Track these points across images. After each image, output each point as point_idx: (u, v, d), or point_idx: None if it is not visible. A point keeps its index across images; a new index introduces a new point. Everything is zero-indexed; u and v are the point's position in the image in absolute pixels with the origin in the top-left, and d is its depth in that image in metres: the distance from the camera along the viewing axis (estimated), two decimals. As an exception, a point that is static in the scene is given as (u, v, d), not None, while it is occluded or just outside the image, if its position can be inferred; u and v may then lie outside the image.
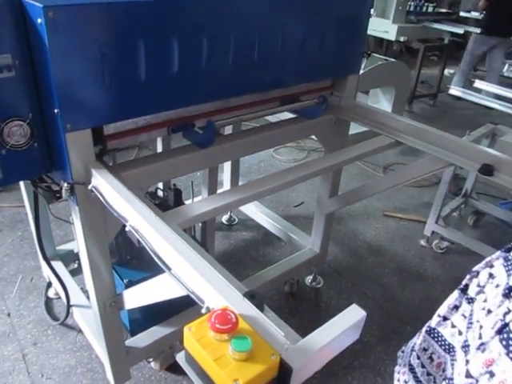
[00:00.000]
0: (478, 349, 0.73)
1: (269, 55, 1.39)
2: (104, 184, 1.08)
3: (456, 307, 0.98)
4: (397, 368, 1.19)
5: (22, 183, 1.76)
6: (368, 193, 1.89)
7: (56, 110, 1.04)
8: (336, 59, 1.61)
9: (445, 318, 1.00)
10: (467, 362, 0.75)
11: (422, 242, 2.77)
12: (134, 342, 1.66)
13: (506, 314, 0.68)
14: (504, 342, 0.65)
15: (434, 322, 1.03)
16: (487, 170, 1.33)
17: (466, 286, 0.97)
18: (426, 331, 1.00)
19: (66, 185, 1.13)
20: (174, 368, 1.85)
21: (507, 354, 0.64)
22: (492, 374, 0.68)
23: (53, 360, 1.87)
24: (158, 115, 1.26)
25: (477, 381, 0.73)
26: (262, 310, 0.74)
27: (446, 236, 2.65)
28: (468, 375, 0.75)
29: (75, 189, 1.15)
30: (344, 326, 0.71)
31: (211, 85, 1.31)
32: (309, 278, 2.38)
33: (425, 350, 1.02)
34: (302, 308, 2.22)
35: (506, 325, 0.66)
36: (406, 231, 2.91)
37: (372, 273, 2.50)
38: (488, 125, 2.49)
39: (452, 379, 0.82)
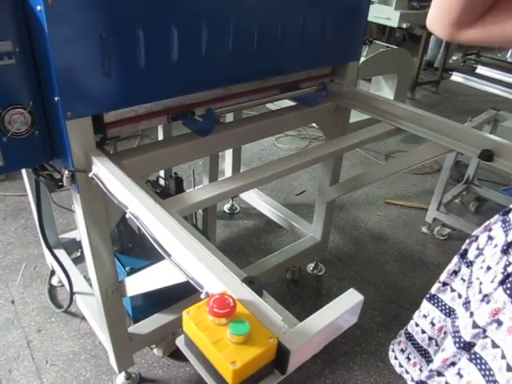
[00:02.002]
0: (482, 300, 0.75)
1: (268, 42, 1.38)
2: (104, 171, 1.08)
3: (455, 272, 0.99)
4: (392, 341, 1.20)
5: (24, 172, 1.77)
6: (369, 180, 1.90)
7: (56, 98, 1.04)
8: (336, 46, 1.60)
9: (444, 284, 1.01)
10: (471, 314, 0.77)
11: (424, 229, 2.78)
12: (137, 328, 1.68)
13: (506, 266, 0.70)
14: (508, 292, 0.67)
15: (434, 288, 1.04)
16: (487, 155, 1.33)
17: (465, 250, 0.98)
18: (426, 298, 1.01)
19: (66, 172, 1.14)
20: (177, 354, 1.87)
21: None
22: (500, 322, 0.70)
23: (57, 347, 1.90)
24: (157, 103, 1.26)
25: (484, 330, 0.75)
26: (260, 295, 0.74)
27: (448, 223, 2.66)
28: (475, 326, 0.78)
29: (76, 176, 1.15)
30: (341, 309, 0.71)
31: (211, 72, 1.31)
32: (310, 266, 2.39)
33: (425, 316, 1.04)
34: (303, 295, 2.24)
35: (509, 275, 0.68)
36: (408, 218, 2.91)
37: (373, 260, 2.51)
38: (490, 111, 2.47)
39: (458, 331, 0.83)
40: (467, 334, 0.80)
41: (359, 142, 1.53)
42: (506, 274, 0.69)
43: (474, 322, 0.78)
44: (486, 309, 0.74)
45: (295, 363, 0.66)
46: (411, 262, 2.52)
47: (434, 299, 1.02)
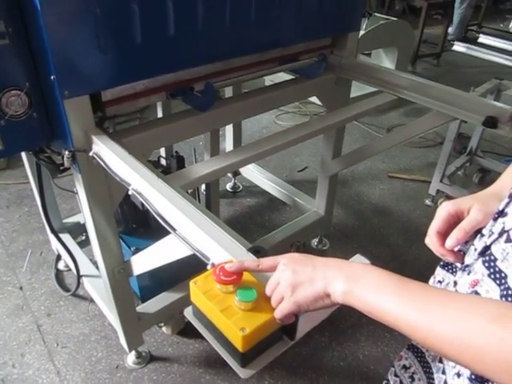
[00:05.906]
0: (464, 271, 0.74)
1: (266, 13, 1.36)
2: (105, 150, 1.07)
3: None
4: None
5: (24, 157, 1.76)
6: (372, 152, 1.88)
7: (53, 77, 1.03)
8: (335, 15, 1.57)
9: (460, 251, 0.99)
10: (455, 283, 0.77)
11: (428, 202, 2.77)
12: (145, 307, 1.69)
13: (489, 236, 0.68)
14: (486, 264, 0.66)
15: None
16: (491, 122, 1.31)
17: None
18: (440, 265, 1.00)
19: (67, 153, 1.13)
20: (186, 332, 1.89)
21: (489, 276, 0.65)
22: (477, 294, 0.69)
23: (67, 329, 1.92)
24: (155, 79, 1.25)
25: None
26: (267, 263, 0.74)
27: (452, 194, 2.64)
28: None
29: (77, 156, 1.15)
30: (349, 275, 0.71)
31: (209, 46, 1.29)
32: (315, 241, 2.40)
33: (440, 282, 1.02)
34: (309, 270, 2.24)
35: (488, 247, 0.66)
36: (411, 191, 2.90)
37: (378, 233, 2.51)
38: (493, 80, 2.44)
39: None
40: None
41: (361, 112, 1.51)
42: (485, 245, 0.67)
43: (456, 292, 0.77)
44: (467, 279, 0.73)
45: (304, 329, 0.66)
46: (415, 234, 2.51)
47: (448, 266, 1.01)
